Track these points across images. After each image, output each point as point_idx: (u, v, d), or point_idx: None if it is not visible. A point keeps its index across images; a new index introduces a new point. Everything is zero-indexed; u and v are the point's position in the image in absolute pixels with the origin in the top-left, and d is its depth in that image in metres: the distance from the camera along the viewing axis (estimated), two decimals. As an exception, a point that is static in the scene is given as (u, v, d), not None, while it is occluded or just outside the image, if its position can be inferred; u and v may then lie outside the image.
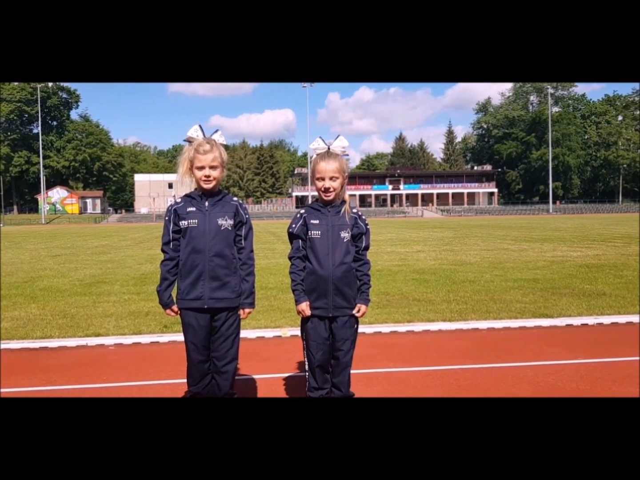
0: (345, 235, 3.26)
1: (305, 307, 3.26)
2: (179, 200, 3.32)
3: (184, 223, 3.22)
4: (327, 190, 3.22)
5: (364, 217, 3.37)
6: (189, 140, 3.23)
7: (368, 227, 3.37)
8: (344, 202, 3.31)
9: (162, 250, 3.29)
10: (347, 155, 3.32)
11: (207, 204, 3.25)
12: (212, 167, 3.18)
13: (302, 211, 3.35)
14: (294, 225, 3.32)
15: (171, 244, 3.26)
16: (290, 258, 3.34)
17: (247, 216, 3.34)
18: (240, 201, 3.38)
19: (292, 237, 3.34)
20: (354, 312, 3.32)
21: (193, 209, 3.23)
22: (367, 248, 3.37)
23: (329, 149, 3.27)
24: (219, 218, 3.23)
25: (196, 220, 3.21)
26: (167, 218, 3.29)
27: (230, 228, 3.26)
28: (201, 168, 3.17)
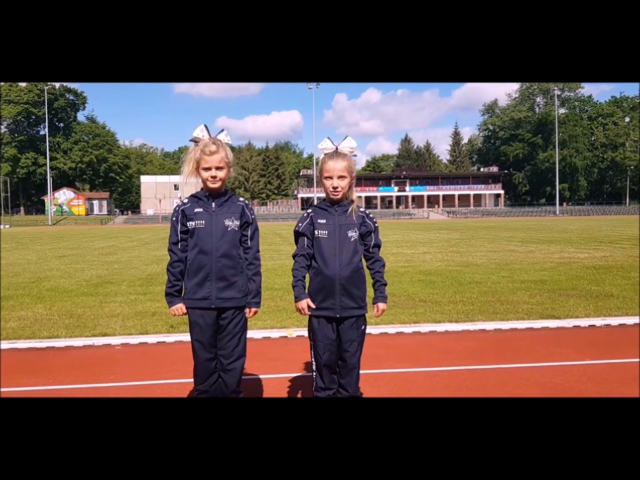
0: (353, 234, 3.24)
1: (304, 304, 3.21)
2: (185, 200, 3.33)
3: (191, 224, 3.23)
4: (335, 189, 3.21)
5: (371, 215, 3.35)
6: (195, 141, 3.23)
7: (376, 225, 3.34)
8: (351, 202, 3.30)
9: (170, 250, 3.29)
10: (355, 155, 3.32)
11: (213, 205, 3.25)
12: (218, 168, 3.19)
13: (310, 211, 3.34)
14: (300, 224, 3.31)
15: (179, 244, 3.27)
16: (294, 256, 3.32)
17: (253, 216, 3.36)
18: (247, 202, 3.39)
19: (297, 235, 3.32)
20: (373, 312, 3.29)
21: (200, 209, 3.24)
22: (377, 246, 3.34)
23: (337, 148, 3.26)
24: (226, 219, 3.24)
25: (203, 222, 3.22)
26: (174, 219, 3.30)
27: (236, 229, 3.27)
28: (208, 169, 3.18)
